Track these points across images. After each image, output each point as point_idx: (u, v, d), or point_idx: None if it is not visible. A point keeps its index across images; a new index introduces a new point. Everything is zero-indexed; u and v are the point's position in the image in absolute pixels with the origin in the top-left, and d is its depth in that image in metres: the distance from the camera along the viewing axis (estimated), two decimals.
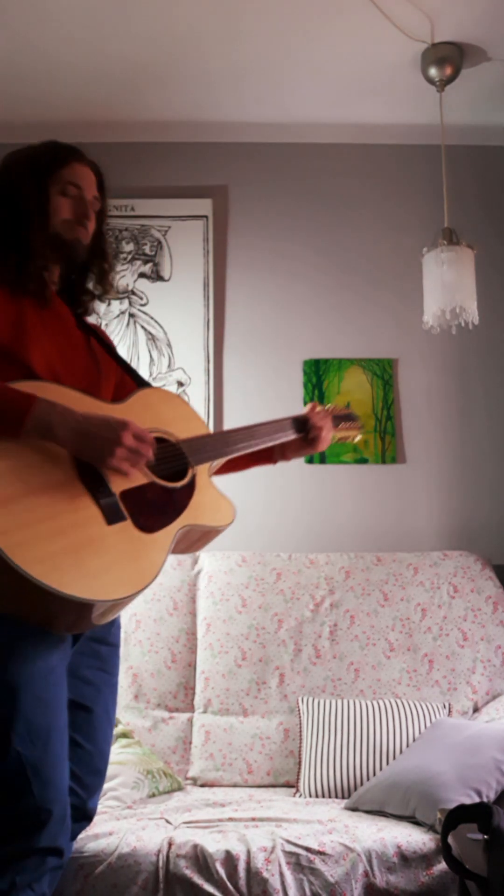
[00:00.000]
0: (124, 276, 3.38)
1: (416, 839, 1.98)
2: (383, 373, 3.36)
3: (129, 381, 1.94)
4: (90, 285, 1.93)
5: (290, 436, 2.05)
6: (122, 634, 2.82)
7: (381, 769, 2.46)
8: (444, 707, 2.65)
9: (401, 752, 2.49)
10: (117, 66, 3.02)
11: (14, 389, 1.57)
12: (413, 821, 2.11)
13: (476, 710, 2.74)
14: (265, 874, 1.86)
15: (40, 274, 1.79)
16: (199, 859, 1.88)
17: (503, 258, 3.41)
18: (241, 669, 2.81)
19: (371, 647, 2.84)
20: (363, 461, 3.31)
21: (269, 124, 3.39)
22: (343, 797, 2.45)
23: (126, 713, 2.74)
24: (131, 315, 3.37)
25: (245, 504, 3.10)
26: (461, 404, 3.37)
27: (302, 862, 1.90)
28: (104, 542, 1.58)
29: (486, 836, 1.62)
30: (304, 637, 2.86)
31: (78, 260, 1.85)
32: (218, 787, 2.63)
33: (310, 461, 3.29)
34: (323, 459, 3.29)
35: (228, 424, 3.30)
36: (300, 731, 2.63)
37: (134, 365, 3.32)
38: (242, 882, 1.85)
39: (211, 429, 3.26)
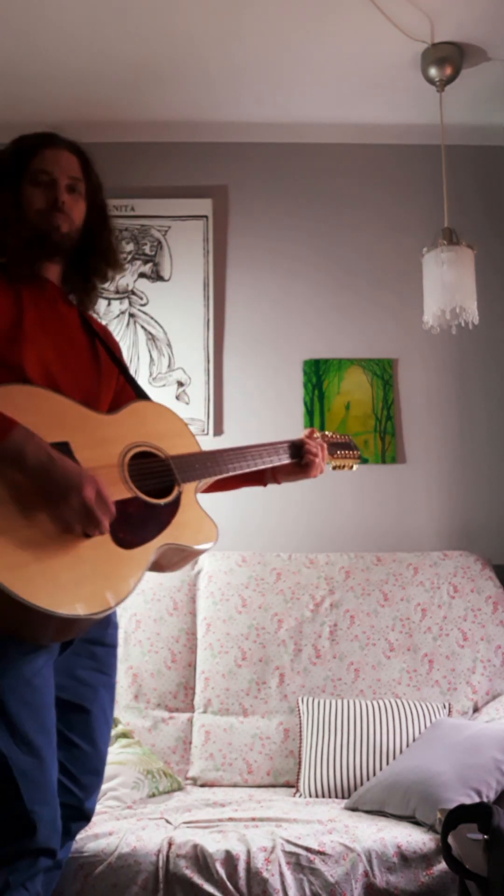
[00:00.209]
0: (124, 276, 3.38)
1: (416, 839, 1.98)
2: (383, 373, 3.36)
3: (129, 390, 1.92)
4: (95, 272, 1.87)
5: (284, 460, 2.02)
6: (122, 634, 2.82)
7: (381, 769, 2.46)
8: (444, 707, 2.65)
9: (401, 752, 2.49)
10: (117, 67, 3.02)
11: None
12: (413, 821, 2.11)
13: (476, 710, 2.74)
14: (265, 874, 1.86)
15: (29, 272, 1.76)
16: (199, 859, 1.88)
17: (503, 258, 3.41)
18: (241, 669, 2.81)
19: (371, 647, 2.84)
20: (363, 461, 3.31)
21: (269, 124, 3.39)
22: (343, 797, 2.45)
23: (126, 713, 2.74)
24: (131, 315, 3.37)
25: (245, 504, 3.12)
26: (461, 404, 3.37)
27: (302, 862, 1.90)
28: (79, 554, 1.56)
29: (486, 836, 1.62)
30: (304, 637, 2.86)
31: (65, 248, 1.80)
32: (218, 787, 2.63)
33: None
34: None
35: (228, 424, 3.30)
36: (300, 731, 2.63)
37: (134, 365, 3.33)
38: (242, 882, 1.85)
39: (210, 429, 3.28)
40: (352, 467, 2.24)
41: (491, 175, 3.47)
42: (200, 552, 1.81)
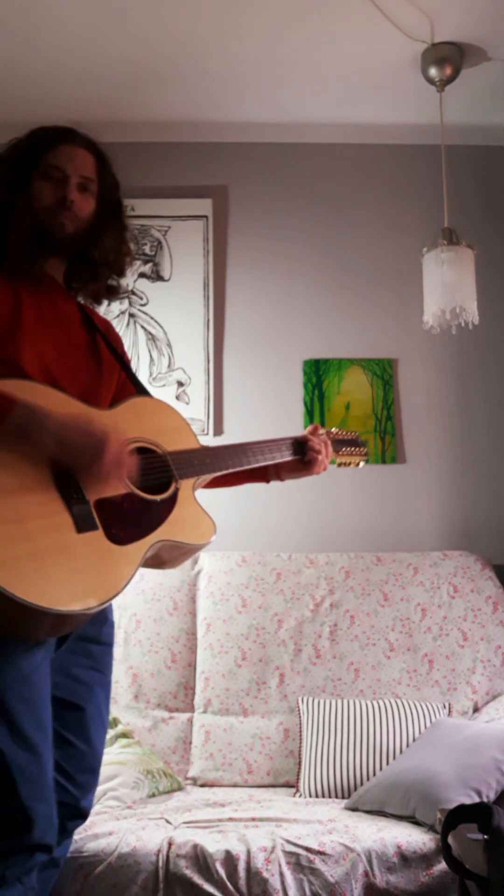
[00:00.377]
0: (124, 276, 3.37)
1: (416, 839, 1.98)
2: (383, 373, 3.36)
3: (130, 386, 1.91)
4: (95, 273, 1.86)
5: (287, 456, 2.00)
6: (122, 634, 2.82)
7: (381, 769, 2.46)
8: (444, 707, 2.65)
9: (401, 752, 2.49)
10: (117, 67, 3.02)
11: None
12: (413, 821, 2.11)
13: (476, 710, 2.74)
14: (265, 874, 1.86)
15: (29, 268, 1.75)
16: (199, 859, 1.88)
17: (503, 258, 3.41)
18: (241, 669, 2.81)
19: (371, 647, 2.84)
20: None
21: (269, 124, 3.39)
22: (343, 797, 2.45)
23: (126, 713, 2.74)
24: (131, 315, 3.37)
25: (245, 504, 3.12)
26: (461, 404, 3.37)
27: (302, 862, 1.90)
28: (71, 550, 1.54)
29: (486, 836, 1.62)
30: (304, 637, 2.86)
31: (67, 246, 1.79)
32: (218, 787, 2.63)
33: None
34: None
35: (228, 424, 3.30)
36: (300, 731, 2.63)
37: (134, 365, 3.32)
38: (242, 882, 1.85)
39: (210, 429, 3.28)
40: (358, 464, 2.22)
41: (491, 175, 3.47)
42: (198, 549, 1.79)
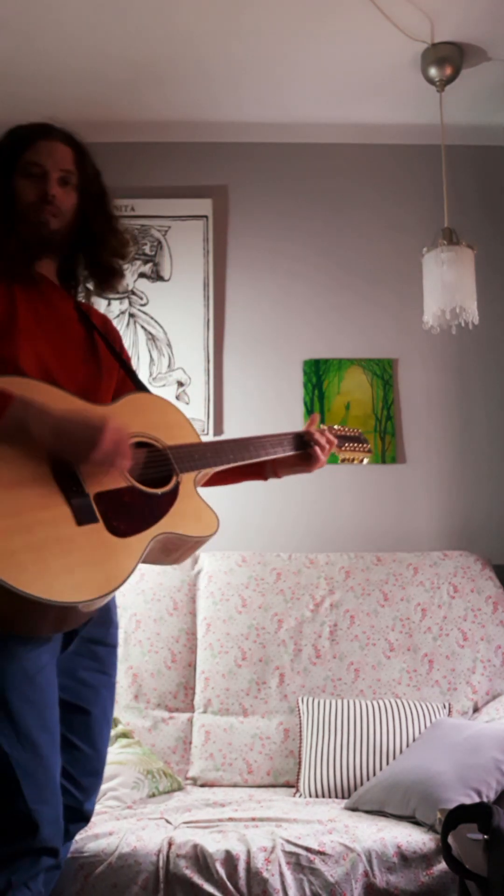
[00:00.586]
0: (124, 276, 3.37)
1: (416, 839, 1.98)
2: (383, 373, 3.36)
3: (129, 384, 1.90)
4: (86, 269, 1.85)
5: (288, 451, 1.98)
6: (122, 634, 2.82)
7: (381, 769, 2.46)
8: (444, 707, 2.65)
9: (401, 752, 2.49)
10: (117, 67, 3.02)
11: None
12: (413, 821, 2.11)
13: (476, 710, 2.74)
14: (265, 874, 1.86)
15: (22, 269, 1.75)
16: (199, 859, 1.88)
17: (503, 258, 3.41)
18: (241, 669, 2.81)
19: (371, 647, 2.84)
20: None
21: (269, 124, 3.39)
22: (343, 797, 2.45)
23: (126, 713, 2.74)
24: (131, 315, 3.37)
25: (245, 504, 3.12)
26: (461, 404, 3.37)
27: (302, 862, 1.90)
28: (72, 542, 1.54)
29: (486, 836, 1.62)
30: (304, 637, 2.86)
31: (55, 244, 1.78)
32: (218, 787, 2.63)
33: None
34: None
35: (228, 424, 3.30)
36: (300, 731, 2.63)
37: (134, 365, 3.31)
38: (242, 882, 1.85)
39: (210, 429, 3.28)
40: (361, 461, 2.20)
41: (491, 175, 3.47)
42: (201, 542, 1.78)
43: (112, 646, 1.84)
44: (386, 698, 2.70)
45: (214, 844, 1.91)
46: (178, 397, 3.31)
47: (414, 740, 2.52)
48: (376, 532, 3.26)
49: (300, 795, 2.50)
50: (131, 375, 1.91)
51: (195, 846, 1.91)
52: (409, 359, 3.38)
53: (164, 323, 3.36)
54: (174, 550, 1.78)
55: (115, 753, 2.50)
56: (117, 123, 3.34)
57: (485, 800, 2.06)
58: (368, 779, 2.45)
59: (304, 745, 2.59)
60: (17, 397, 1.53)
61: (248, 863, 1.87)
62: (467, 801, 2.00)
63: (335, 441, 2.05)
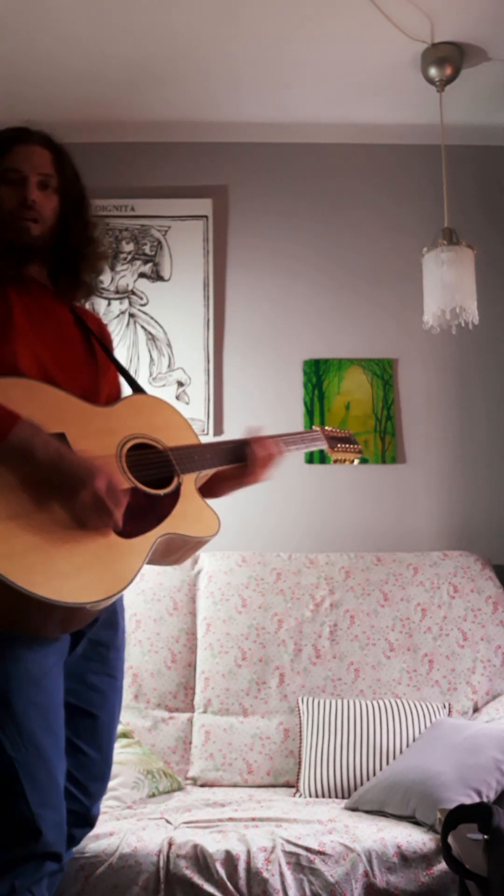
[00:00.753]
0: (124, 276, 3.38)
1: (416, 839, 1.98)
2: (383, 373, 3.36)
3: (119, 384, 1.92)
4: (77, 266, 1.84)
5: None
6: None
7: (381, 769, 2.46)
8: (444, 707, 2.65)
9: (401, 752, 2.49)
10: (117, 67, 3.02)
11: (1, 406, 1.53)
12: (413, 821, 2.11)
13: (476, 710, 2.74)
14: (265, 874, 1.86)
15: (13, 272, 1.74)
16: (200, 859, 1.88)
17: (503, 258, 3.41)
18: (241, 669, 2.81)
19: (371, 647, 2.84)
20: (363, 461, 3.31)
21: (269, 124, 3.39)
22: (343, 797, 2.45)
23: (126, 713, 2.74)
24: (131, 315, 3.37)
25: (245, 504, 3.11)
26: (461, 404, 3.37)
27: (302, 862, 1.90)
28: (78, 543, 1.54)
29: (486, 836, 1.62)
30: (304, 637, 2.86)
31: (38, 249, 1.77)
32: (218, 787, 2.63)
33: (309, 461, 3.29)
34: (323, 459, 3.29)
35: (228, 424, 3.30)
36: (300, 731, 2.63)
37: (134, 365, 3.33)
38: (242, 882, 1.85)
39: (210, 429, 3.28)
40: (352, 461, 2.21)
41: (491, 175, 3.47)
42: (202, 543, 1.79)
43: (119, 648, 1.84)
44: (386, 698, 2.70)
45: (214, 844, 1.91)
46: (178, 397, 3.31)
47: (414, 740, 2.52)
48: (376, 532, 3.26)
49: (300, 795, 2.50)
50: (127, 377, 1.92)
51: (195, 846, 1.91)
52: (409, 359, 3.38)
53: (164, 323, 3.36)
54: (176, 551, 1.79)
55: (116, 753, 2.48)
56: (117, 123, 3.34)
57: (485, 800, 2.06)
58: (368, 779, 2.45)
59: (304, 745, 2.59)
60: (24, 420, 1.52)
61: (248, 863, 1.87)
62: (467, 801, 2.00)
63: (276, 451, 1.91)
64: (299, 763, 2.58)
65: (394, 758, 2.48)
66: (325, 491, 3.28)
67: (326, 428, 2.18)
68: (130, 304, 3.37)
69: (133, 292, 3.38)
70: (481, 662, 2.81)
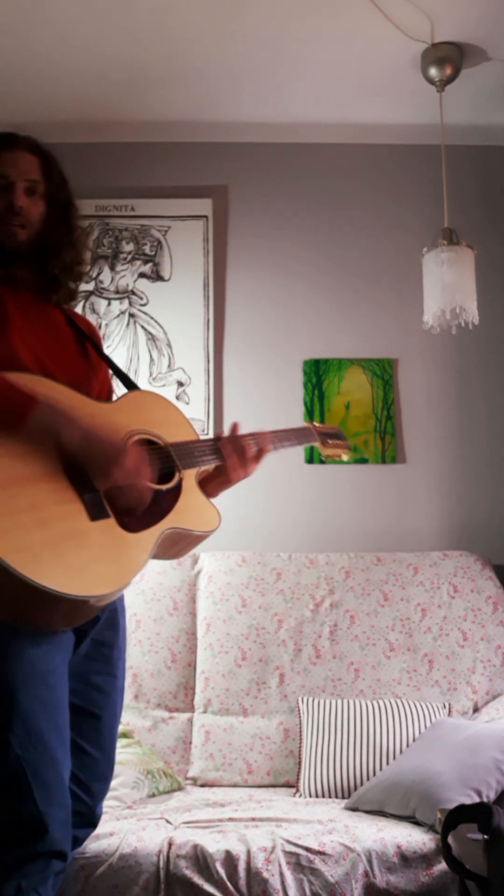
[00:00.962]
0: (124, 276, 3.38)
1: (416, 839, 1.98)
2: (383, 373, 3.36)
3: (109, 381, 1.94)
4: (55, 277, 1.84)
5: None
6: None
7: (381, 769, 2.46)
8: (444, 707, 2.65)
9: (401, 752, 2.49)
10: (117, 67, 3.02)
11: (16, 387, 1.56)
12: (413, 821, 2.11)
13: (476, 710, 2.74)
14: (265, 874, 1.86)
15: (4, 273, 1.76)
16: (200, 859, 1.88)
17: (503, 258, 3.41)
18: (241, 669, 2.81)
19: (371, 647, 2.84)
20: (363, 461, 3.31)
21: (269, 124, 3.39)
22: (343, 797, 2.45)
23: (126, 713, 2.74)
24: (131, 315, 3.37)
25: (245, 504, 3.12)
26: (461, 404, 3.37)
27: (302, 862, 1.90)
28: (86, 537, 1.57)
29: (486, 836, 1.62)
30: (304, 637, 2.86)
31: (24, 254, 1.79)
32: (218, 787, 2.63)
33: (309, 461, 3.29)
34: (323, 460, 3.29)
35: (228, 425, 3.29)
36: (300, 731, 2.63)
37: (134, 365, 3.33)
38: (242, 882, 1.85)
39: (210, 429, 3.28)
40: (341, 457, 2.24)
41: (491, 175, 3.47)
42: (203, 537, 1.83)
43: (121, 649, 1.86)
44: (386, 698, 2.70)
45: (214, 844, 1.91)
46: (178, 397, 3.31)
47: (414, 740, 2.52)
48: (376, 532, 3.26)
49: (300, 795, 2.50)
50: (120, 375, 1.94)
51: (195, 846, 1.91)
52: (409, 359, 3.38)
53: (164, 323, 3.36)
54: (177, 545, 1.82)
55: (116, 753, 2.49)
56: (117, 123, 3.34)
57: (485, 800, 2.06)
58: (368, 779, 2.45)
59: (304, 745, 2.59)
60: (41, 401, 1.56)
61: (248, 863, 1.87)
62: (467, 801, 2.00)
63: (249, 449, 1.90)
64: (299, 763, 2.58)
65: (394, 758, 2.48)
66: (325, 491, 3.28)
67: (317, 424, 2.21)
68: (130, 304, 3.37)
69: (133, 292, 3.38)
70: (481, 662, 2.81)
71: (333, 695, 2.76)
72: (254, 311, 3.39)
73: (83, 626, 1.71)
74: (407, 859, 1.93)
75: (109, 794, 2.32)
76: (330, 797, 2.48)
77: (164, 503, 1.74)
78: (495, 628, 2.87)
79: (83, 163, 3.35)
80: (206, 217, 3.41)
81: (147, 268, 3.39)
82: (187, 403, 3.29)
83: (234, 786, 2.64)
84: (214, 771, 2.67)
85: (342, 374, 3.35)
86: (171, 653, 2.85)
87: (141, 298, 3.37)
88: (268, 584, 2.94)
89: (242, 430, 1.94)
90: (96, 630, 1.77)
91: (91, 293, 3.36)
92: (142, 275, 3.39)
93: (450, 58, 2.93)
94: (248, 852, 1.89)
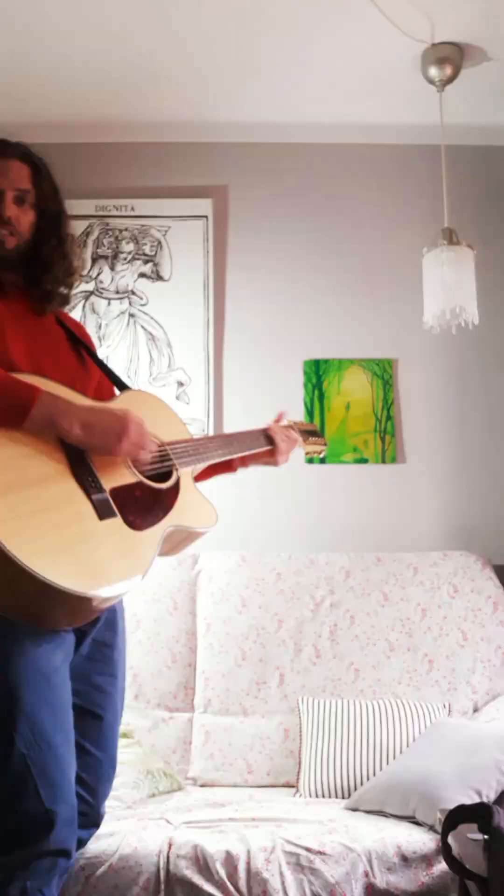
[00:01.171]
0: (124, 276, 3.38)
1: (416, 839, 1.97)
2: (383, 373, 3.36)
3: (107, 382, 1.95)
4: (53, 282, 1.85)
5: (263, 446, 2.10)
6: None
7: (381, 769, 2.46)
8: (444, 707, 2.65)
9: (401, 752, 2.49)
10: (117, 66, 3.02)
11: (18, 381, 1.57)
12: (413, 821, 2.11)
13: (476, 710, 2.74)
14: (265, 874, 1.86)
15: None
16: (200, 859, 1.88)
17: (503, 258, 3.41)
18: (241, 669, 2.81)
19: (371, 647, 2.84)
20: (363, 461, 3.31)
21: (269, 124, 3.39)
22: (343, 797, 2.45)
23: (126, 713, 2.71)
24: (131, 315, 3.37)
25: (245, 504, 3.13)
26: (461, 404, 3.37)
27: (302, 862, 1.89)
28: (97, 536, 1.58)
29: (486, 836, 1.63)
30: (304, 637, 2.86)
31: (11, 262, 1.79)
32: (218, 787, 2.63)
33: (310, 461, 3.29)
34: (323, 459, 3.29)
35: (228, 424, 3.30)
36: (300, 731, 2.63)
37: (134, 365, 3.33)
38: (242, 882, 1.85)
39: (210, 429, 3.28)
40: (320, 454, 2.35)
41: (491, 175, 3.47)
42: (201, 534, 1.86)
43: (121, 649, 1.87)
44: (386, 698, 2.70)
45: (214, 845, 1.91)
46: (178, 397, 3.31)
47: (414, 740, 2.52)
48: (376, 532, 3.26)
49: (300, 795, 2.50)
50: (112, 376, 1.95)
51: (195, 846, 1.91)
52: (408, 359, 3.38)
53: (164, 323, 3.36)
54: (176, 542, 1.84)
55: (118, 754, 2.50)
56: (117, 123, 3.34)
57: (485, 800, 2.06)
58: (368, 779, 2.45)
59: (304, 745, 2.59)
60: (44, 391, 1.58)
61: (248, 863, 1.87)
62: (467, 801, 2.00)
63: (296, 438, 2.18)
64: (299, 763, 2.58)
65: (394, 758, 2.48)
66: (325, 491, 3.28)
67: (296, 421, 2.26)
68: (130, 304, 3.37)
69: (133, 292, 3.38)
70: (481, 662, 2.81)
71: (333, 695, 2.76)
72: (254, 311, 3.39)
73: (83, 626, 1.72)
74: (407, 859, 1.93)
75: (110, 794, 2.32)
76: (330, 797, 2.48)
77: (165, 501, 1.76)
78: (495, 628, 2.87)
79: (83, 163, 3.35)
80: (206, 217, 3.41)
81: (147, 268, 3.39)
82: (187, 403, 3.29)
83: (234, 786, 2.64)
84: (214, 771, 2.67)
85: (342, 374, 3.35)
86: (171, 653, 2.85)
87: (141, 298, 3.37)
88: (268, 584, 2.94)
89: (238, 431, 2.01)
90: (96, 631, 1.78)
91: (91, 293, 3.36)
92: (142, 275, 3.39)
93: (450, 58, 2.93)
94: (248, 852, 1.89)
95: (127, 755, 2.51)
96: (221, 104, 3.27)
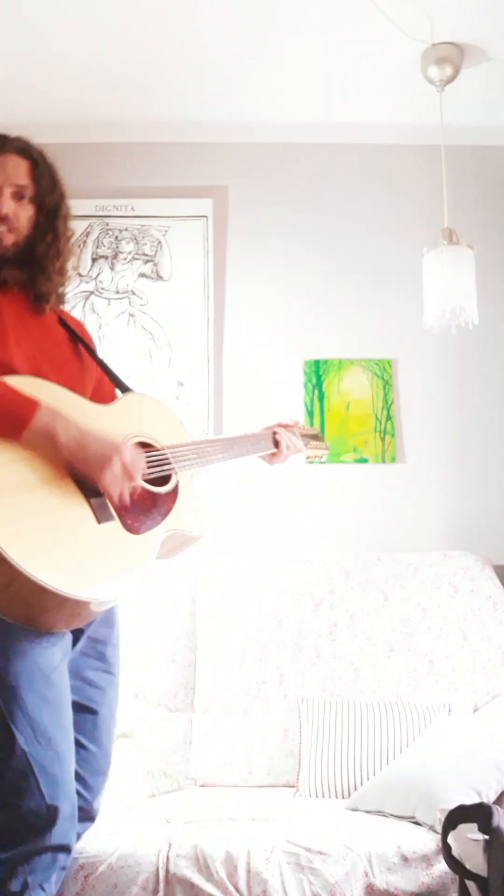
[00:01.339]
0: (124, 276, 3.38)
1: (416, 839, 1.97)
2: (383, 373, 3.36)
3: (107, 382, 1.95)
4: (46, 281, 1.83)
5: (266, 449, 2.10)
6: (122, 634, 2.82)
7: (381, 769, 2.46)
8: (444, 707, 2.65)
9: (401, 752, 2.49)
10: (117, 66, 3.02)
11: (17, 394, 1.57)
12: (413, 821, 2.11)
13: (476, 709, 2.74)
14: (265, 874, 1.86)
15: None
16: (199, 859, 1.88)
17: (503, 258, 3.41)
18: (241, 669, 2.81)
19: (371, 647, 2.84)
20: (363, 461, 3.31)
21: (269, 124, 3.39)
22: (343, 797, 2.45)
23: (126, 713, 2.74)
24: (131, 315, 3.37)
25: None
26: (461, 404, 3.37)
27: (302, 862, 1.89)
28: (95, 540, 1.59)
29: (486, 836, 1.63)
30: (304, 637, 2.86)
31: (10, 258, 1.78)
32: (218, 787, 2.63)
33: (310, 461, 3.28)
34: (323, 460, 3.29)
35: (228, 424, 3.30)
36: (300, 731, 2.63)
37: (134, 365, 3.33)
38: (242, 882, 1.85)
39: (210, 429, 3.28)
40: (321, 458, 2.34)
41: (491, 175, 3.47)
42: (199, 538, 1.86)
43: (116, 646, 1.88)
44: (386, 698, 2.70)
45: (214, 844, 1.91)
46: (178, 397, 3.31)
47: (414, 740, 2.52)
48: (376, 532, 3.26)
49: (300, 795, 2.50)
50: (112, 376, 1.95)
51: (195, 846, 1.91)
52: (408, 359, 3.38)
53: (164, 323, 3.36)
54: (173, 547, 1.84)
55: (116, 754, 2.49)
56: (117, 123, 3.34)
57: (485, 800, 2.06)
58: (368, 779, 2.45)
59: (304, 745, 2.59)
60: (43, 405, 1.58)
61: (248, 863, 1.87)
62: (467, 801, 2.00)
63: (300, 448, 2.17)
64: (299, 763, 2.58)
65: (394, 758, 2.48)
66: (325, 491, 3.28)
67: (298, 424, 2.26)
68: (130, 304, 3.37)
69: (133, 292, 3.37)
70: (481, 662, 2.81)
71: (333, 695, 2.76)
72: (254, 311, 3.39)
73: None
74: (407, 859, 1.93)
75: (109, 794, 2.32)
76: (330, 797, 2.47)
77: (163, 505, 1.77)
78: (495, 628, 2.87)
79: (83, 163, 3.35)
80: (206, 217, 3.41)
81: (147, 268, 3.39)
82: (187, 404, 3.29)
83: (234, 786, 2.64)
84: (214, 771, 2.67)
85: (342, 375, 3.35)
86: (171, 653, 2.85)
87: (141, 298, 3.37)
88: (268, 584, 2.94)
89: (241, 430, 2.00)
90: (92, 628, 1.79)
91: (91, 293, 3.36)
92: (142, 275, 3.39)
93: (450, 58, 2.93)
94: (248, 852, 1.89)
95: (127, 755, 2.51)
96: (221, 104, 3.27)
